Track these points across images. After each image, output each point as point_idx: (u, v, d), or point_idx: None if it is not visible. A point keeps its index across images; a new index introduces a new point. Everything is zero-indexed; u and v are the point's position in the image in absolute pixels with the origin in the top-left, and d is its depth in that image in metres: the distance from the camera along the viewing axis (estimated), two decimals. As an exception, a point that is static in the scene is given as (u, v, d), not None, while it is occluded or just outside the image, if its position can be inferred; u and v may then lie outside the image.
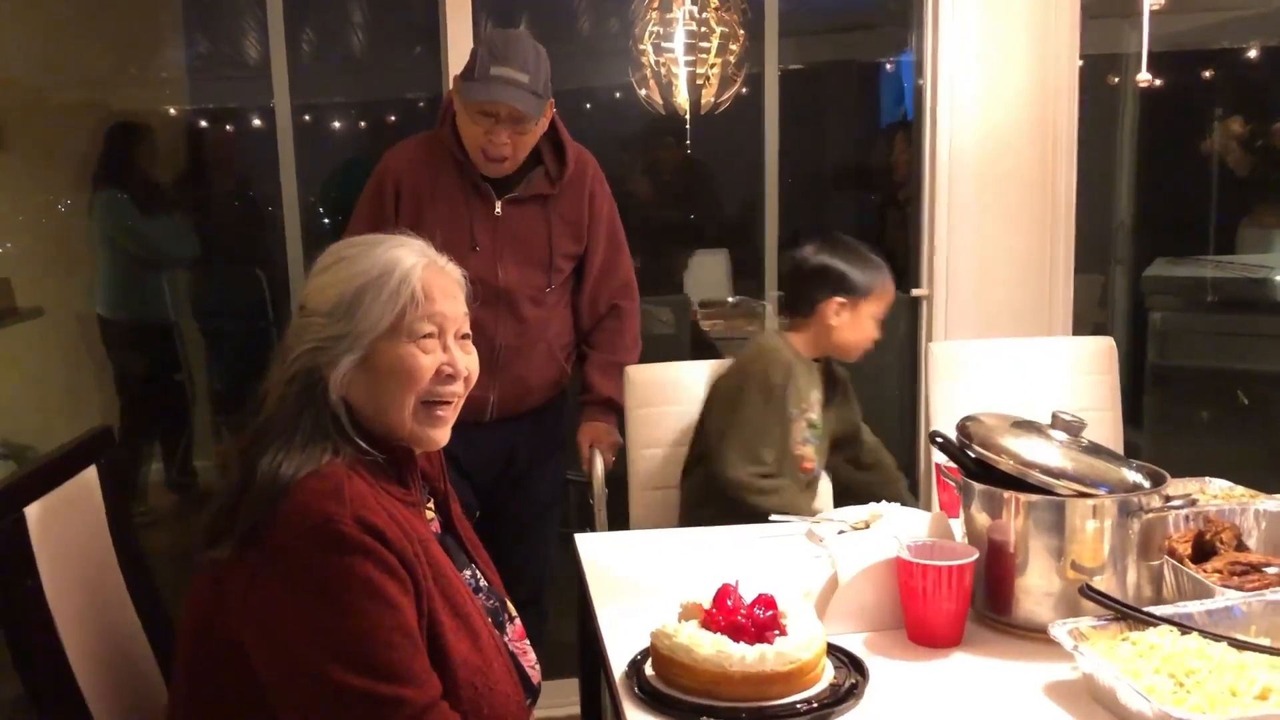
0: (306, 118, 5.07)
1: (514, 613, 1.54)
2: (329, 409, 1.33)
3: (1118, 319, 4.69)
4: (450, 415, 1.43)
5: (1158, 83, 1.82)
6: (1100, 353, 2.63)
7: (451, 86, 2.38)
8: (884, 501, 1.96)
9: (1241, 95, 4.73)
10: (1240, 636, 1.36)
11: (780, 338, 2.35)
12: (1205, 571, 1.60)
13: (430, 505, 1.50)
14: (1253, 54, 5.06)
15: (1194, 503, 1.63)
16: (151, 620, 1.60)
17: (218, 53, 4.72)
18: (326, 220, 4.03)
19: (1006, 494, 1.54)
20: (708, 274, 4.91)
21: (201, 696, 1.33)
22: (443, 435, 1.43)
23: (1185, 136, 4.81)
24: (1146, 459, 1.67)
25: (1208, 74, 5.29)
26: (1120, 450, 2.55)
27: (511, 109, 2.23)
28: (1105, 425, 2.57)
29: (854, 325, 2.33)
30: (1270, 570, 1.61)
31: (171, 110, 4.67)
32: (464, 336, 1.44)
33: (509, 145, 2.29)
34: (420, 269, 1.38)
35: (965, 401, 2.53)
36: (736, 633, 1.38)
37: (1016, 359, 2.64)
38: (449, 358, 1.39)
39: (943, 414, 2.55)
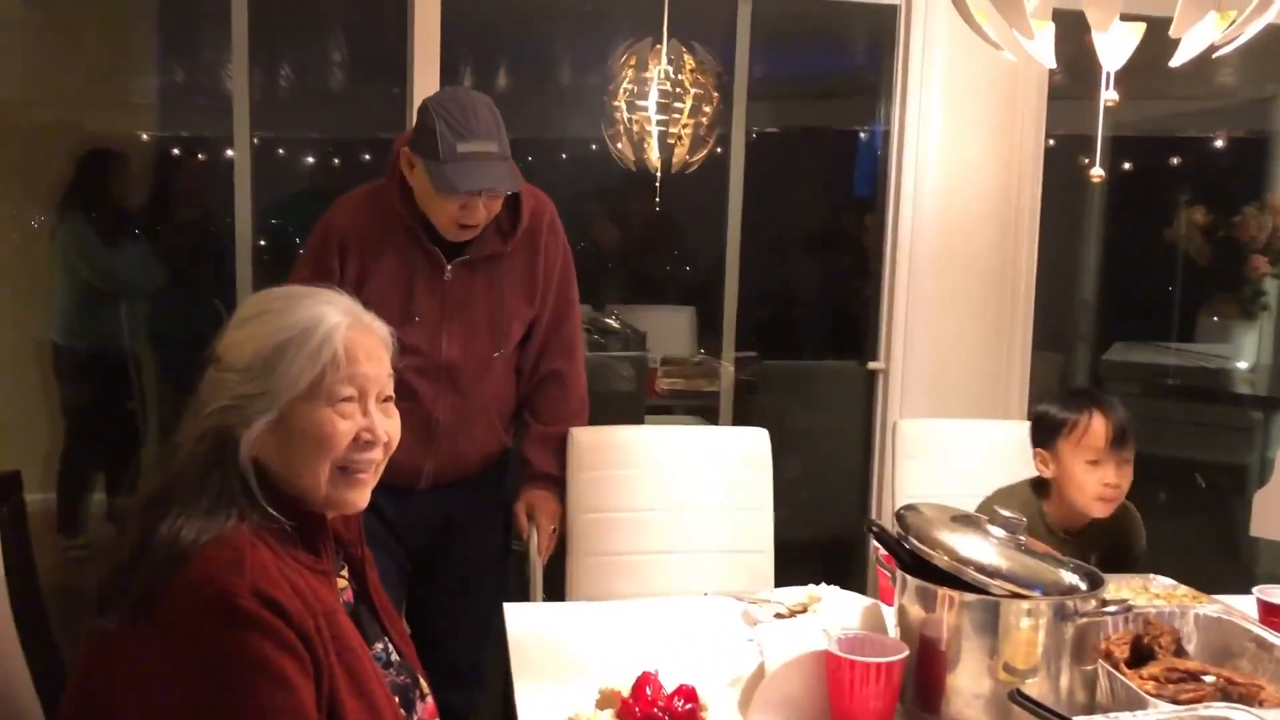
0: (280, 151, 5.05)
1: (426, 690, 1.48)
2: (238, 471, 1.27)
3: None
4: (370, 479, 1.38)
5: (1100, 174, 1.81)
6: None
7: (402, 142, 2.23)
8: (823, 585, 1.92)
9: (1206, 184, 4.80)
10: (1170, 753, 1.32)
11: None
12: (1141, 678, 1.57)
13: (344, 573, 1.44)
14: (1219, 144, 5.14)
15: (1129, 609, 1.59)
16: (45, 672, 1.53)
17: (192, 81, 4.70)
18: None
19: (940, 590, 1.50)
20: (672, 330, 4.90)
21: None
22: (361, 498, 1.37)
23: (1151, 221, 4.86)
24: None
25: (1175, 160, 5.37)
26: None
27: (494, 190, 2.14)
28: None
29: (1064, 474, 2.08)
30: (1207, 680, 1.57)
31: (144, 136, 4.62)
32: (386, 399, 1.38)
33: (485, 214, 2.19)
34: (344, 328, 1.32)
35: (929, 480, 2.51)
36: (652, 725, 1.33)
37: (983, 440, 2.60)
38: (368, 423, 1.34)
39: (905, 493, 2.50)
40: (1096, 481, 2.05)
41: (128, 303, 4.15)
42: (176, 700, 1.16)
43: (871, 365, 3.27)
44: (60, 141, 4.06)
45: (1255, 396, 4.52)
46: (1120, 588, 1.92)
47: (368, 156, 5.24)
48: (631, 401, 4.12)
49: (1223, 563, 3.82)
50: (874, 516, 3.26)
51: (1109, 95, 1.63)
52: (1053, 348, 4.39)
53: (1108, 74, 1.65)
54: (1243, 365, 4.56)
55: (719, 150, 3.70)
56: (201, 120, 4.64)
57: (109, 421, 4.28)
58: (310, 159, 5.31)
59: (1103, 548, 2.13)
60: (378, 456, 1.36)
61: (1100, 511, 2.07)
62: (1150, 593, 1.96)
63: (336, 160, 5.44)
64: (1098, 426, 2.06)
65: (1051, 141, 3.28)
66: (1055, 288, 3.91)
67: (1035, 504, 2.14)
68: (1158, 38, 1.70)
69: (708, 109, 3.90)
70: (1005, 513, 1.58)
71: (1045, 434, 2.11)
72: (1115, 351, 4.75)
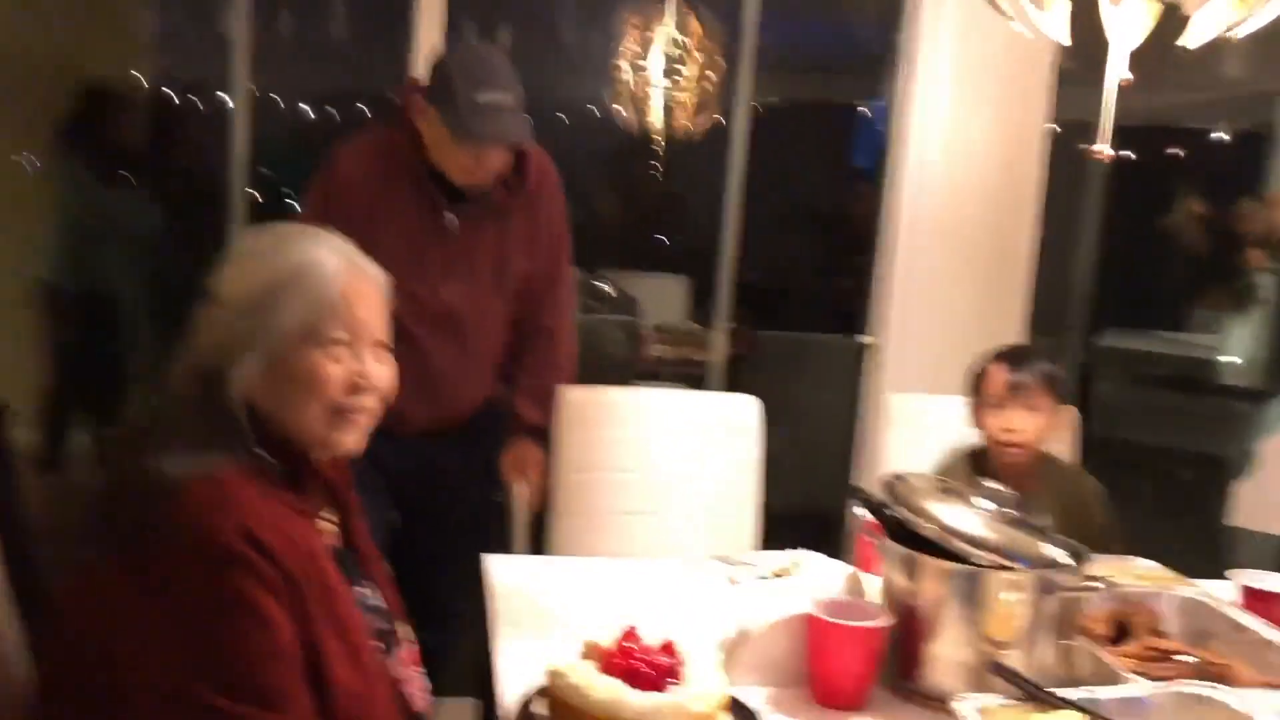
0: (278, 100, 5.00)
1: (408, 636, 1.48)
2: (228, 409, 1.26)
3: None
4: (365, 422, 1.37)
5: (1109, 153, 1.80)
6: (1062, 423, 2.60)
7: (412, 89, 2.26)
8: (803, 550, 1.93)
9: (1206, 176, 4.80)
10: (1144, 728, 1.34)
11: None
12: (1118, 655, 1.58)
13: (332, 517, 1.43)
14: (1220, 136, 5.14)
15: (1112, 585, 1.60)
16: (29, 606, 1.52)
17: (192, 25, 4.64)
18: (292, 202, 3.97)
19: (925, 559, 1.51)
20: (666, 298, 4.89)
21: (65, 695, 1.26)
22: (352, 440, 1.36)
23: (1150, 210, 4.87)
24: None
25: (1176, 151, 5.38)
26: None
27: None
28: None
29: (979, 422, 2.20)
30: (1182, 659, 1.59)
31: (141, 78, 4.58)
32: (381, 345, 1.37)
33: (498, 165, 2.22)
34: (339, 271, 1.31)
35: (915, 454, 2.49)
36: (634, 679, 1.33)
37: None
38: (360, 368, 1.32)
39: (891, 467, 2.49)
40: (997, 427, 2.16)
41: (120, 244, 4.13)
42: (160, 635, 1.17)
43: (862, 339, 3.27)
44: (56, 80, 4.02)
45: (1242, 389, 4.54)
46: (1102, 567, 1.92)
47: (366, 110, 5.20)
48: (622, 367, 4.13)
49: (1201, 550, 3.85)
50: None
51: (1123, 74, 1.62)
52: (1046, 331, 4.40)
53: (1121, 52, 1.63)
54: (1233, 358, 4.58)
55: (720, 120, 3.68)
56: (201, 66, 4.59)
57: (97, 361, 4.27)
58: (308, 110, 5.27)
59: (1053, 510, 2.14)
60: (370, 403, 1.35)
61: (1007, 457, 2.17)
62: (1131, 574, 1.98)
63: (334, 112, 5.40)
64: (995, 375, 2.17)
65: (1058, 127, 3.26)
66: (1051, 271, 3.91)
67: (975, 468, 2.21)
68: (1165, 25, 1.69)
69: (712, 75, 3.87)
70: (993, 485, 1.59)
71: (972, 387, 2.23)
72: (1107, 337, 4.77)
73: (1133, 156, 4.75)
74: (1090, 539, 2.14)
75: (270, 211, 3.81)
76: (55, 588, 1.58)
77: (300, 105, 5.08)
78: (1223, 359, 4.60)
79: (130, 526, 1.19)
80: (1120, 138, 1.92)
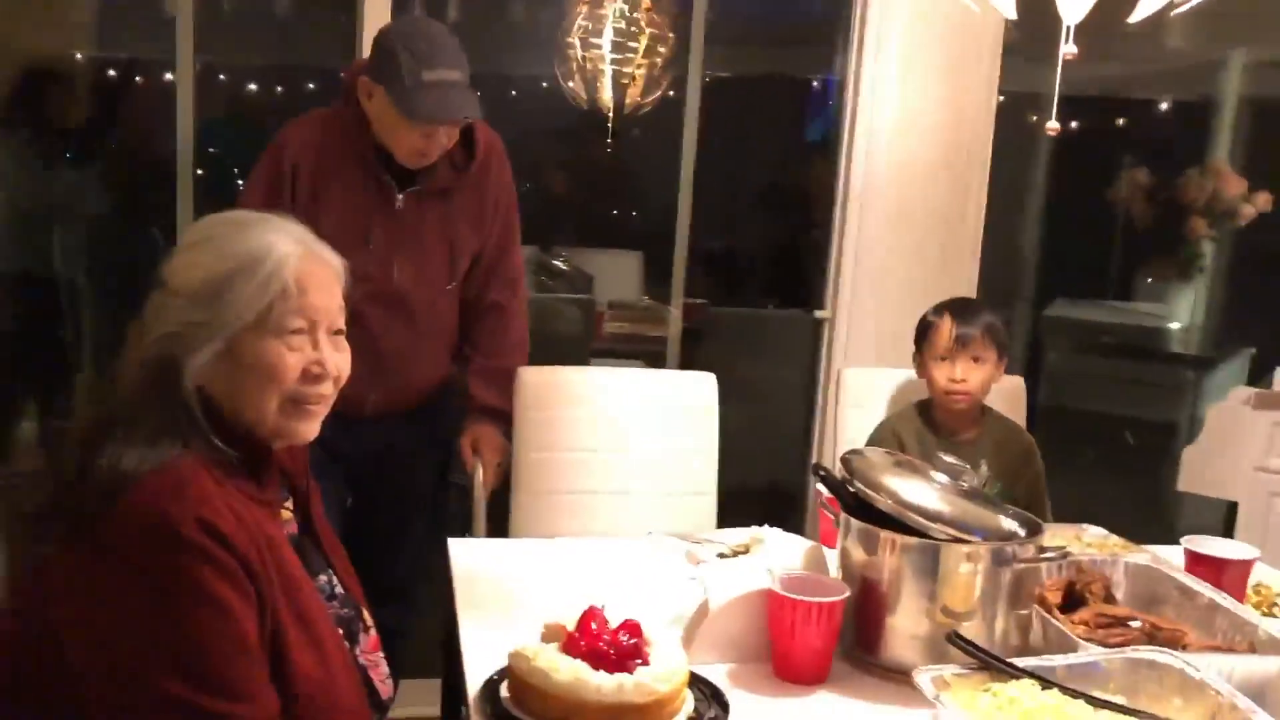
0: (221, 77, 4.90)
1: (369, 623, 1.47)
2: (182, 399, 1.24)
3: (1016, 356, 4.78)
4: (321, 410, 1.36)
5: (1056, 127, 1.83)
6: (1009, 391, 2.63)
7: (359, 68, 2.22)
8: (765, 526, 1.94)
9: (1149, 146, 4.87)
10: (1098, 694, 1.37)
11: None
12: (1072, 622, 1.61)
13: (289, 505, 1.42)
14: (1164, 106, 5.21)
15: (1066, 555, 1.63)
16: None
17: (133, 1, 4.53)
18: (240, 182, 3.91)
19: (883, 533, 1.53)
20: (620, 275, 4.88)
21: (17, 689, 1.24)
22: (310, 429, 1.35)
23: (1095, 180, 4.92)
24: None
25: (1120, 122, 5.44)
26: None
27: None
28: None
29: (926, 373, 2.31)
30: (1134, 625, 1.62)
31: (78, 55, 4.46)
32: (337, 332, 1.35)
33: (447, 143, 2.19)
34: (295, 258, 1.29)
35: (871, 428, 2.52)
36: (597, 660, 1.34)
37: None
38: (318, 356, 1.31)
39: (848, 441, 2.52)
40: (943, 376, 2.26)
41: (64, 226, 4.04)
42: (117, 626, 1.16)
43: (818, 314, 3.29)
44: (-8, 58, 3.92)
45: (1189, 355, 4.63)
46: (1054, 536, 1.96)
47: (312, 85, 5.12)
48: (578, 344, 4.11)
49: (1150, 516, 3.93)
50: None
51: (1068, 49, 1.64)
52: (996, 302, 4.45)
53: (1067, 27, 1.65)
54: (1177, 325, 4.67)
55: (672, 93, 3.66)
56: (141, 42, 4.49)
57: (41, 347, 4.19)
58: (253, 86, 5.17)
59: (993, 461, 2.29)
60: (327, 390, 1.34)
61: (952, 405, 2.28)
62: (1083, 542, 2.01)
63: (280, 88, 5.31)
64: (943, 327, 2.27)
65: (1001, 98, 3.29)
66: (1000, 243, 3.95)
67: (923, 416, 2.35)
68: (1111, -1, 1.71)
69: (663, 49, 3.85)
70: (949, 459, 1.61)
71: (918, 338, 2.34)
72: (1056, 308, 4.83)
73: (1074, 127, 4.80)
74: (1028, 487, 2.29)
75: (216, 190, 3.75)
76: (8, 580, 1.56)
77: (246, 84, 4.99)
78: (1169, 327, 4.69)
79: (86, 519, 1.17)
80: (1066, 108, 1.94)
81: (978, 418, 2.34)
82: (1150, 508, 4.04)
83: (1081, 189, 4.94)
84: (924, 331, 2.32)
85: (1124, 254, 4.96)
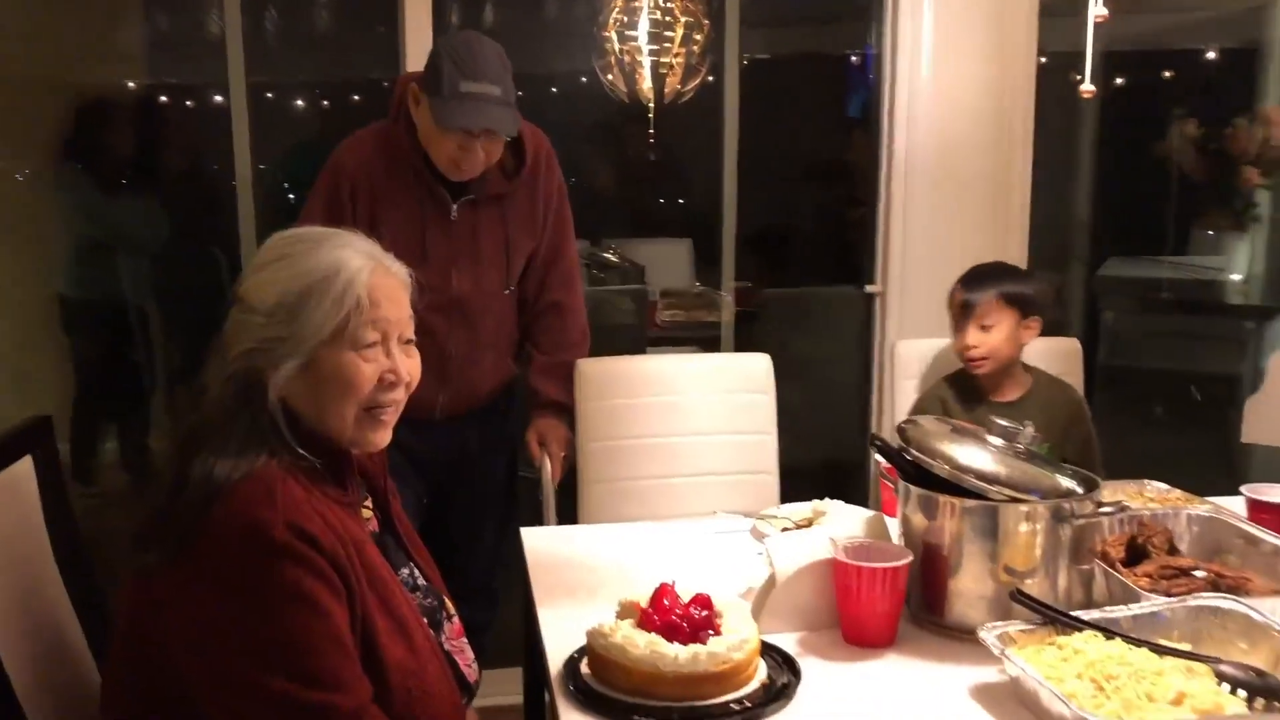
0: (269, 95, 5.02)
1: (452, 611, 1.54)
2: (266, 411, 1.31)
3: (1073, 318, 4.75)
4: (392, 418, 1.42)
5: (1091, 90, 1.84)
6: (1065, 353, 2.64)
7: (406, 81, 2.28)
8: (827, 499, 1.98)
9: (1198, 97, 4.79)
10: (1161, 641, 1.39)
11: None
12: (1136, 575, 1.63)
13: (368, 503, 1.50)
14: (1211, 55, 5.12)
15: (1124, 509, 1.65)
16: (88, 610, 1.59)
17: (178, 28, 4.66)
18: (292, 197, 4.01)
19: (942, 498, 1.56)
20: (671, 263, 4.92)
21: (132, 694, 1.32)
22: (383, 438, 1.42)
23: (1144, 136, 4.86)
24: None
25: (1168, 74, 5.35)
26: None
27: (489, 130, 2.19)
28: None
29: (953, 343, 2.40)
30: (1198, 575, 1.64)
31: (130, 85, 4.60)
32: (407, 341, 1.42)
33: (484, 158, 2.24)
34: (365, 273, 1.35)
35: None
36: (671, 633, 1.40)
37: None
38: (391, 364, 1.37)
39: (903, 413, 2.55)
40: (957, 345, 2.36)
41: (129, 252, 4.18)
42: (219, 630, 1.23)
43: (869, 289, 3.31)
44: (50, 95, 4.05)
45: (1248, 306, 4.56)
46: (1116, 492, 1.98)
47: (357, 98, 5.22)
48: (633, 334, 4.17)
49: (1220, 470, 3.89)
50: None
51: (1098, 10, 1.65)
52: (1048, 266, 4.42)
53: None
54: (1235, 277, 4.59)
55: (711, 79, 3.69)
56: (189, 69, 4.61)
57: (118, 372, 4.33)
58: (300, 103, 5.28)
59: (1039, 421, 2.22)
60: (400, 396, 1.41)
61: (973, 370, 2.35)
62: (1144, 497, 2.03)
63: (326, 103, 5.41)
64: (954, 296, 2.38)
65: (1044, 59, 3.28)
66: (1050, 206, 3.92)
67: (958, 385, 2.40)
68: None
69: (699, 37, 3.88)
70: (1002, 422, 1.64)
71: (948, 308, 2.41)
72: (1109, 267, 4.78)
73: (1120, 83, 4.74)
74: (1078, 446, 2.31)
75: (273, 208, 3.85)
76: (111, 593, 1.65)
77: (295, 101, 5.10)
78: (1227, 279, 4.62)
79: (183, 529, 1.24)
80: (1110, 65, 1.95)
81: (1020, 378, 2.38)
82: (1219, 461, 4.00)
83: (1132, 145, 4.88)
84: (948, 301, 2.41)
85: (1178, 208, 4.90)
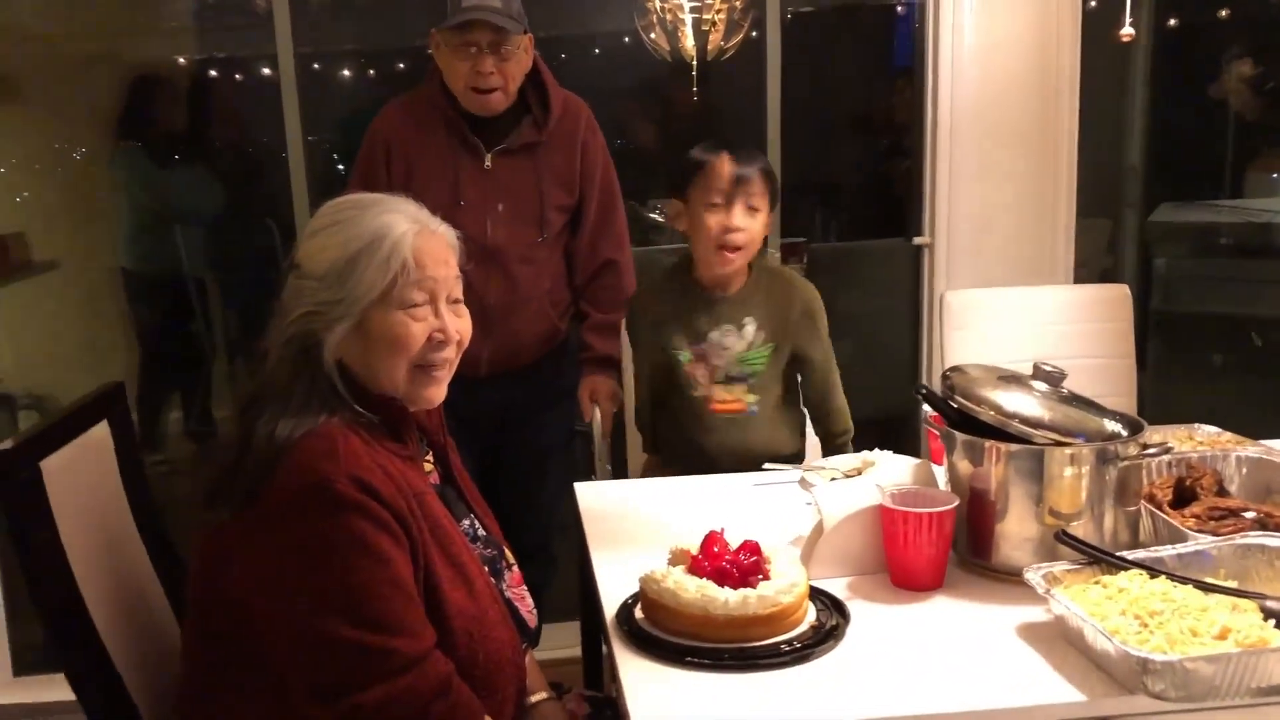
0: (316, 65, 5.08)
1: (512, 560, 1.60)
2: (324, 371, 1.37)
3: (1126, 264, 4.69)
4: (445, 375, 1.48)
5: (1130, 33, 1.82)
6: (1114, 300, 2.63)
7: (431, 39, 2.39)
8: (876, 450, 2.00)
9: (1254, 36, 4.67)
10: (1207, 579, 1.41)
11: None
12: (1184, 517, 1.64)
13: (429, 458, 1.55)
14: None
15: (1169, 450, 1.66)
16: (165, 565, 1.67)
17: (226, 1, 4.72)
18: (341, 167, 4.06)
19: (987, 443, 1.58)
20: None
21: (208, 643, 1.40)
22: (437, 394, 1.47)
23: (1199, 78, 4.76)
24: (1150, 405, 1.69)
25: (1223, 13, 5.22)
26: (1133, 397, 2.58)
27: (491, 34, 2.27)
28: (1119, 373, 2.59)
29: (693, 222, 2.08)
30: (1248, 515, 1.64)
31: (180, 60, 4.68)
32: (455, 301, 1.47)
33: (496, 74, 2.31)
34: (411, 235, 1.40)
35: (978, 350, 2.54)
36: (721, 577, 1.44)
37: (1030, 307, 2.65)
38: (440, 323, 1.43)
39: (955, 362, 2.55)
40: (717, 224, 2.03)
41: (183, 226, 4.27)
42: (288, 580, 1.29)
43: (917, 240, 3.30)
44: (101, 71, 4.14)
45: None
46: (1166, 437, 1.98)
47: (402, 66, 5.25)
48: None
49: (1271, 415, 3.85)
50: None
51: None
52: (1100, 213, 4.36)
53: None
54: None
55: (755, 34, 3.68)
56: (235, 41, 4.68)
57: (179, 342, 4.45)
58: (346, 72, 5.32)
59: (763, 317, 2.13)
60: (450, 355, 1.46)
61: (721, 264, 2.06)
62: (1195, 440, 2.03)
63: (371, 71, 5.45)
64: (721, 167, 2.04)
65: (1093, 2, 3.23)
66: (1100, 152, 3.86)
67: (678, 278, 2.17)
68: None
69: (740, -10, 3.86)
70: (1047, 366, 1.65)
71: (680, 181, 2.09)
72: (1162, 213, 4.70)
73: (1173, 24, 4.64)
74: (811, 347, 2.18)
75: (325, 179, 3.91)
76: (185, 551, 1.72)
77: (342, 70, 5.15)
78: (1282, 221, 4.53)
79: (251, 484, 1.31)
80: (1163, 5, 1.92)
81: (748, 275, 2.14)
82: (1274, 405, 3.95)
83: (1186, 87, 4.79)
84: (692, 172, 2.06)
85: (1234, 151, 4.80)
